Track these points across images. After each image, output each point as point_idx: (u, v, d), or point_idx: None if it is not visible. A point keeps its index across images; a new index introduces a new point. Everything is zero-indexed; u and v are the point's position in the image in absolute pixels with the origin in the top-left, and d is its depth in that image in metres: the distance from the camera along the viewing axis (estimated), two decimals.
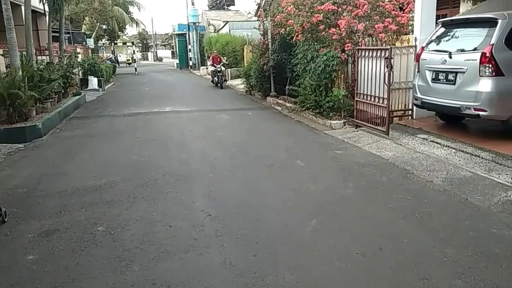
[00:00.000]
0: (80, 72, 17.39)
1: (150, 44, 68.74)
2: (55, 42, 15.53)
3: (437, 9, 7.49)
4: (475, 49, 5.73)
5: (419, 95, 6.72)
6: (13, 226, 4.08)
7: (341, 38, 8.24)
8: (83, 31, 32.65)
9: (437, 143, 6.20)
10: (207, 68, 25.86)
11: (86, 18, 30.32)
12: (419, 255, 3.26)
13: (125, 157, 6.58)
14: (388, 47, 6.99)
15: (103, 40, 44.70)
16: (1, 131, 7.90)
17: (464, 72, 5.80)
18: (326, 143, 7.16)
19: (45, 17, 15.66)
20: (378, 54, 7.05)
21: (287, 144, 7.20)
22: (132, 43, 64.18)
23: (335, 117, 8.42)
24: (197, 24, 31.12)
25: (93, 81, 17.15)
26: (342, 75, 8.66)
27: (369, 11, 8.28)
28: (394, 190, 4.74)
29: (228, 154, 6.65)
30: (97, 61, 19.40)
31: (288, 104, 10.70)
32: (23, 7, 11.79)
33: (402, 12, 8.35)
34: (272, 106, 11.61)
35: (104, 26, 37.81)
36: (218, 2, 45.26)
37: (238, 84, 16.80)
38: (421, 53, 6.71)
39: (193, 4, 31.20)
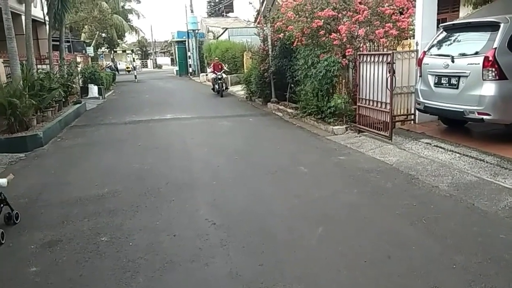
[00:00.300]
0: (80, 80, 17.40)
1: (149, 52, 68.92)
2: (55, 51, 15.54)
3: (437, 14, 7.50)
4: (477, 53, 5.72)
5: (421, 99, 6.70)
6: (16, 237, 4.04)
7: (342, 43, 8.24)
8: (82, 39, 32.76)
9: (441, 147, 6.17)
10: (207, 75, 25.90)
11: (86, 26, 30.39)
12: (428, 263, 3.21)
13: (127, 166, 6.55)
14: (390, 52, 6.98)
15: (103, 48, 44.82)
16: (2, 140, 7.87)
17: (467, 76, 5.78)
18: (329, 148, 7.12)
19: (45, 26, 15.67)
20: (380, 59, 7.04)
21: (290, 150, 7.16)
22: (132, 50, 64.30)
23: (337, 122, 8.39)
24: (196, 31, 31.22)
25: (93, 89, 17.15)
26: (343, 80, 8.65)
27: (369, 16, 8.29)
28: (400, 196, 4.69)
29: (230, 161, 6.62)
30: (97, 69, 19.42)
31: (289, 110, 10.68)
32: (23, 17, 11.81)
33: (402, 16, 8.35)
34: (273, 112, 11.58)
35: (103, 34, 37.90)
36: (217, 9, 45.54)
37: (238, 90, 16.77)
38: (423, 58, 6.70)
39: (192, 11, 31.38)
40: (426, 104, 6.61)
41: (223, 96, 16.25)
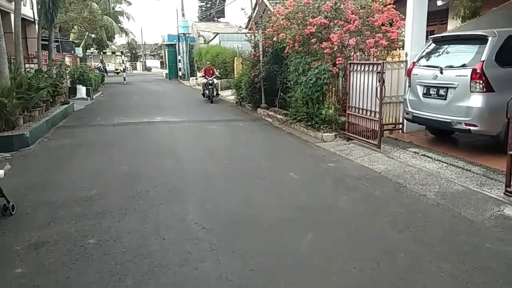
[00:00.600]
0: (69, 81, 17.21)
1: (139, 54, 68.58)
2: (44, 50, 15.37)
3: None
4: (466, 65, 5.84)
5: (410, 109, 6.80)
6: (1, 237, 3.96)
7: (332, 52, 8.32)
8: (71, 39, 32.44)
9: (428, 157, 6.26)
10: (196, 79, 25.89)
11: (75, 27, 30.14)
12: (417, 270, 3.25)
13: (116, 168, 6.48)
14: (381, 62, 7.07)
15: (92, 49, 44.47)
16: None
17: (455, 88, 5.90)
18: (319, 155, 7.16)
19: (35, 25, 15.52)
20: (370, 69, 7.12)
21: (280, 156, 7.18)
22: (121, 52, 64.00)
23: (326, 129, 8.45)
24: (187, 35, 31.23)
25: (82, 90, 16.95)
26: (333, 88, 8.72)
27: (360, 26, 8.39)
28: (388, 203, 4.74)
29: (220, 165, 6.60)
30: (86, 70, 19.25)
31: (279, 116, 10.72)
32: (12, 15, 11.66)
33: (391, 28, 8.48)
34: (263, 117, 11.62)
35: (93, 35, 37.61)
36: (208, 14, 45.60)
37: (228, 95, 16.76)
38: (412, 68, 6.81)
39: (183, 15, 31.39)
40: (414, 114, 6.71)
41: (213, 102, 15.92)
